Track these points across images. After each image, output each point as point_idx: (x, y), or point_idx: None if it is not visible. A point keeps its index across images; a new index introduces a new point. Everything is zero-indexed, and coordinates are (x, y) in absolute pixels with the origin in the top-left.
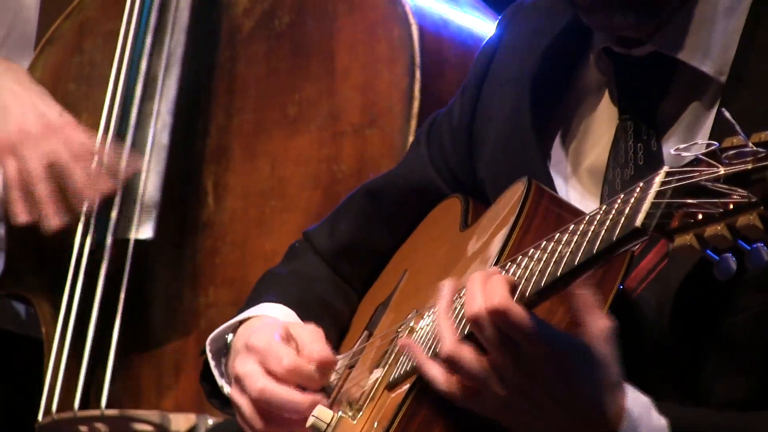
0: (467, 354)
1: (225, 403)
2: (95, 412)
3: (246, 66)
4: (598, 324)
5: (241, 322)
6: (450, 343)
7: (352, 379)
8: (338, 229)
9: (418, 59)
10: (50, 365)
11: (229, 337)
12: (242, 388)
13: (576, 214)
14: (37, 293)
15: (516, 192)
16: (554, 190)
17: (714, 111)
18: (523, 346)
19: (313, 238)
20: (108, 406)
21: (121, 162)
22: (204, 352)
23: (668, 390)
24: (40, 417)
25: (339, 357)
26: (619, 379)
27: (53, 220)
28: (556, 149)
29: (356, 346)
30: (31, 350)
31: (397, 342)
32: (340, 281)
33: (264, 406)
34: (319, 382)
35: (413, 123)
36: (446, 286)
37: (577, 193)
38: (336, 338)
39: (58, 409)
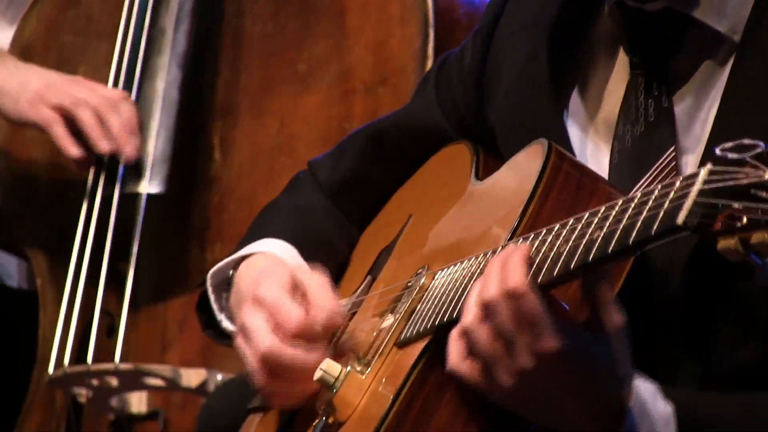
0: (482, 334)
1: (220, 335)
2: (109, 366)
3: (252, 22)
4: (613, 319)
5: (243, 258)
6: (471, 315)
7: (356, 326)
8: (341, 164)
9: (431, 18)
10: (60, 318)
11: (231, 272)
12: (247, 341)
13: (596, 179)
14: (32, 245)
15: (536, 156)
16: (568, 140)
17: (727, 70)
18: (534, 334)
19: (317, 170)
20: (120, 360)
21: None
22: (203, 283)
23: (680, 355)
24: (50, 369)
25: (342, 302)
26: (629, 374)
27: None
28: (573, 100)
29: (359, 291)
30: (21, 302)
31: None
32: (341, 215)
33: (270, 364)
34: (327, 340)
35: None
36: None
37: (590, 146)
38: (334, 272)
39: (71, 362)
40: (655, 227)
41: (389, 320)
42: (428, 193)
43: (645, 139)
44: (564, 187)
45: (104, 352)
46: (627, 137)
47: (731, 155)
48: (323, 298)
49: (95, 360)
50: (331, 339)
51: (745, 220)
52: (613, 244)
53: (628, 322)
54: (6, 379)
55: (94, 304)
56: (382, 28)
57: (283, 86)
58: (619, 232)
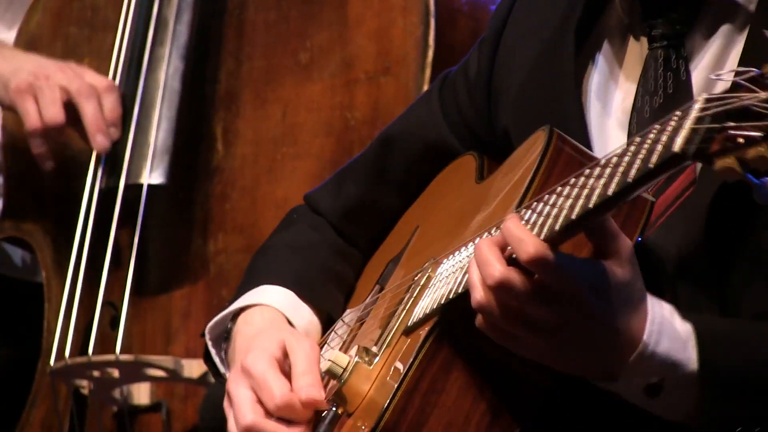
0: (516, 278)
1: None
2: (110, 357)
3: (255, 12)
4: (620, 245)
5: (241, 309)
6: (500, 267)
7: (364, 332)
8: (345, 190)
9: (432, 8)
10: (62, 310)
11: (230, 325)
12: (231, 407)
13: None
14: (37, 237)
15: (537, 140)
16: (587, 131)
17: (742, 40)
18: (550, 285)
19: (316, 201)
20: (122, 352)
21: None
22: (204, 335)
23: (697, 304)
24: (52, 361)
25: (348, 312)
26: (644, 293)
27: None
28: (587, 91)
29: (368, 299)
30: (28, 294)
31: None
32: (341, 242)
33: None
34: (307, 417)
35: (428, 72)
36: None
37: (609, 132)
38: (342, 300)
39: (72, 354)
40: (653, 160)
41: (398, 318)
42: (434, 204)
43: (663, 111)
44: (566, 168)
45: (109, 343)
46: (645, 109)
47: (724, 78)
48: (306, 371)
49: (99, 351)
50: (339, 349)
51: (741, 139)
52: (612, 187)
53: (647, 272)
54: (13, 370)
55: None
56: (384, 16)
57: (286, 76)
58: (618, 176)
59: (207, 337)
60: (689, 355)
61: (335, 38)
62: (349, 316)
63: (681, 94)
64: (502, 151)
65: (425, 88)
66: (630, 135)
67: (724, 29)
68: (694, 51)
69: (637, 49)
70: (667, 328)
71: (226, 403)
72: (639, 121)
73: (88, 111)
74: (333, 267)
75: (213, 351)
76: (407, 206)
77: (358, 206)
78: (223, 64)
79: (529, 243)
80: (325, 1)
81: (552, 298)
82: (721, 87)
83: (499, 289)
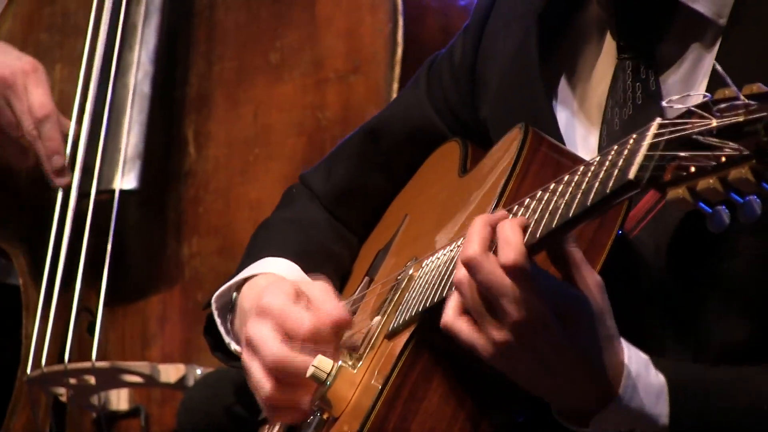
0: (468, 288)
1: (229, 356)
2: (86, 365)
3: (225, 13)
4: (592, 278)
5: (245, 279)
6: (458, 271)
7: (354, 326)
8: (335, 172)
9: (400, 5)
10: (37, 318)
11: (234, 295)
12: (254, 352)
13: (575, 160)
14: (13, 244)
15: (513, 138)
16: (558, 129)
17: (714, 53)
18: (520, 293)
19: (310, 182)
20: (98, 358)
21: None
22: (208, 305)
23: (668, 333)
24: (28, 370)
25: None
26: (615, 332)
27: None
28: (562, 87)
29: (357, 292)
30: (7, 299)
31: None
32: (339, 225)
33: (277, 373)
34: (336, 344)
35: (397, 69)
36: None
37: (580, 130)
38: (338, 283)
39: (48, 362)
40: (610, 186)
41: (380, 315)
42: (422, 192)
43: (633, 122)
44: (542, 167)
45: (87, 349)
46: (615, 120)
47: (678, 106)
48: (329, 302)
49: (76, 358)
50: (338, 342)
51: (692, 168)
52: (573, 208)
53: (615, 303)
54: None
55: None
56: (353, 15)
57: (257, 76)
58: (579, 196)
59: (213, 306)
60: (661, 410)
61: (305, 38)
62: None
63: (651, 104)
64: (483, 139)
65: (395, 86)
66: (600, 146)
67: (695, 43)
68: (664, 62)
69: (613, 49)
70: (642, 382)
71: (245, 356)
72: (609, 134)
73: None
74: (332, 248)
75: (219, 321)
76: (397, 190)
77: (348, 189)
78: (194, 66)
79: (513, 247)
80: (295, 0)
81: (521, 303)
82: (689, 105)
83: (470, 268)
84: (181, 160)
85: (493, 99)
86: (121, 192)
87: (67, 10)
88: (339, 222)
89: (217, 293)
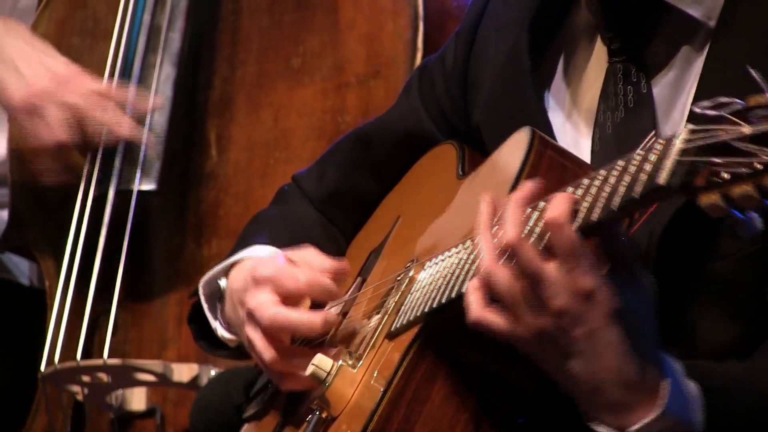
0: (504, 275)
1: (213, 345)
2: (98, 362)
3: (249, 18)
4: (644, 276)
5: (232, 266)
6: (489, 259)
7: (347, 326)
8: (327, 174)
9: (421, 11)
10: (53, 316)
11: (222, 282)
12: (254, 321)
13: (579, 164)
14: (41, 247)
15: (519, 142)
16: (551, 133)
17: (703, 56)
18: (568, 270)
19: (302, 182)
20: (111, 356)
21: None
22: (195, 294)
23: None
24: (42, 367)
25: (332, 303)
26: (657, 338)
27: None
28: (554, 92)
29: (349, 292)
30: (34, 301)
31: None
32: (329, 224)
33: (276, 334)
34: (335, 295)
35: None
36: (485, 203)
37: (572, 134)
38: None
39: (61, 359)
40: (639, 190)
41: (380, 315)
42: (416, 193)
43: (625, 126)
44: (548, 172)
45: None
46: (607, 124)
47: (710, 113)
48: (321, 258)
49: (85, 356)
50: (321, 343)
51: (726, 174)
52: (597, 212)
53: None
54: (17, 376)
55: (92, 302)
56: (374, 20)
57: (278, 80)
58: (603, 200)
59: (201, 292)
60: (697, 417)
61: (327, 42)
62: (333, 309)
63: (642, 108)
64: (475, 144)
65: None
66: (593, 150)
67: (685, 45)
68: (654, 65)
69: (603, 53)
70: (681, 391)
71: (246, 328)
72: (601, 137)
73: (101, 119)
74: (321, 246)
75: (206, 306)
76: (389, 190)
77: (339, 191)
78: (218, 70)
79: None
80: (318, 6)
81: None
82: (678, 111)
83: (513, 252)
84: (203, 162)
85: (486, 104)
86: (140, 193)
87: (98, 15)
88: (330, 224)
89: (204, 280)
